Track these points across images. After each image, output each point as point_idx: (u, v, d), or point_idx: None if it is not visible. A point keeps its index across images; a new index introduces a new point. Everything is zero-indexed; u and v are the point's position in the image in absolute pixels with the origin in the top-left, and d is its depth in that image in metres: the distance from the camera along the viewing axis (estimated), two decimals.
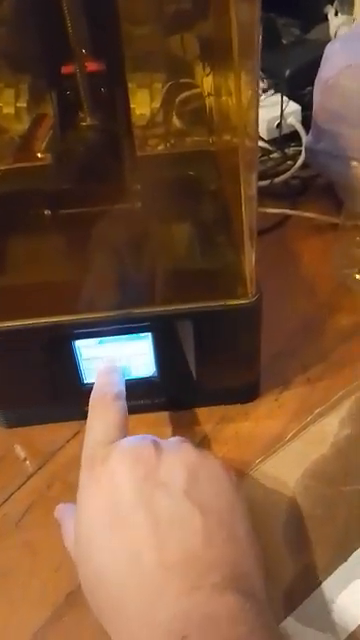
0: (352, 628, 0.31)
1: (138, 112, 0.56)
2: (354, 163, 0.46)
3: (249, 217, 0.33)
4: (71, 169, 0.37)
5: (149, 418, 0.41)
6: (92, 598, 0.27)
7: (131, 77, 0.51)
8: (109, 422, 0.32)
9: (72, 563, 0.30)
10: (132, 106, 0.51)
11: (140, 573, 0.26)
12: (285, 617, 0.31)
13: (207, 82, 0.52)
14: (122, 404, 0.33)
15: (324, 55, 0.51)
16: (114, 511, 0.28)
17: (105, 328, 0.35)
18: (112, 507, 0.28)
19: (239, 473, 0.37)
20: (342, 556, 0.33)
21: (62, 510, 0.33)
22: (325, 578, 0.32)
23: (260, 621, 0.24)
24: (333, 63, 0.49)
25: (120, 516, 0.28)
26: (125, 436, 0.32)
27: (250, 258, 0.34)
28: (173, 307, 0.35)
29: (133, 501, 0.28)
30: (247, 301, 0.35)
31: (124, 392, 0.34)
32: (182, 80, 0.56)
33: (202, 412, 0.41)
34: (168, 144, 0.55)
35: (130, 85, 0.49)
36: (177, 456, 0.30)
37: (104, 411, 0.33)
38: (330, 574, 0.33)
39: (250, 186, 0.32)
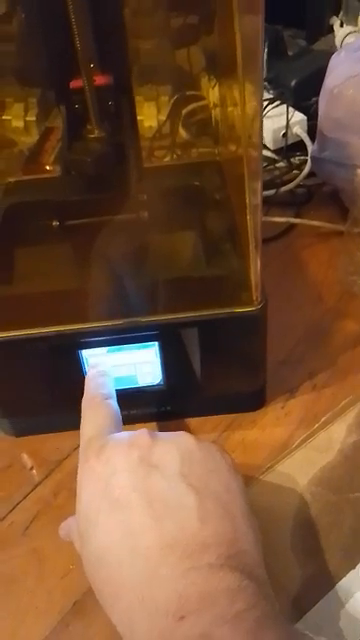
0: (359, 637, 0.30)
1: (146, 124, 0.57)
2: (359, 171, 0.46)
3: (254, 225, 0.33)
4: (79, 181, 0.38)
5: (155, 426, 0.41)
6: (94, 581, 0.28)
7: (139, 90, 0.52)
8: (100, 420, 0.33)
9: (78, 571, 0.30)
10: (140, 118, 0.52)
11: (136, 553, 0.26)
12: (293, 624, 0.31)
13: (213, 94, 0.53)
14: (113, 403, 0.34)
15: (329, 65, 0.52)
16: (110, 493, 0.28)
17: (111, 337, 0.36)
18: (108, 490, 0.28)
19: (246, 480, 0.37)
20: (350, 563, 0.33)
21: (66, 522, 0.34)
22: (333, 585, 0.32)
23: (258, 597, 0.25)
24: (338, 73, 0.50)
25: (115, 498, 0.28)
26: (119, 432, 0.32)
27: (255, 266, 0.34)
28: (179, 315, 0.36)
29: (128, 483, 0.28)
30: (253, 308, 0.35)
31: (114, 394, 0.35)
32: (189, 92, 0.57)
33: (209, 420, 0.41)
34: (175, 155, 0.56)
35: (138, 98, 0.50)
36: (172, 440, 0.31)
37: (95, 411, 0.34)
38: (338, 581, 0.32)
39: (255, 195, 0.32)
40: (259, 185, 0.32)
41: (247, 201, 0.32)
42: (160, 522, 0.27)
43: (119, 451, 0.30)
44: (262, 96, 0.30)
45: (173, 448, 0.30)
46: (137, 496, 0.28)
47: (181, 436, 0.31)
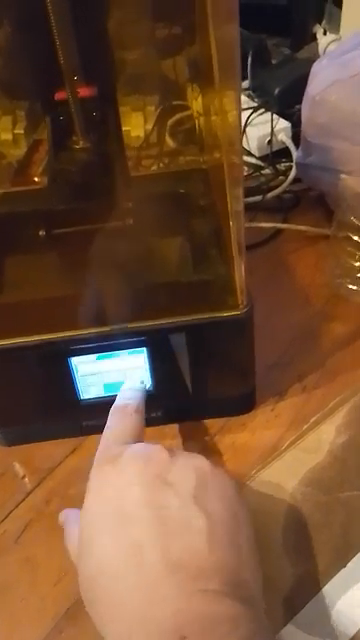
0: (352, 634, 0.31)
1: (133, 134, 0.58)
2: (343, 175, 0.47)
3: (237, 231, 0.34)
4: (65, 190, 0.38)
5: (147, 432, 0.41)
6: (89, 594, 0.27)
7: (125, 101, 0.53)
8: (126, 427, 0.33)
9: (71, 578, 0.30)
10: (127, 128, 0.53)
11: (141, 568, 0.26)
12: (285, 624, 0.31)
13: (197, 103, 0.53)
14: (139, 417, 0.34)
15: (311, 72, 0.53)
16: (121, 505, 0.28)
17: (100, 344, 0.36)
18: (119, 501, 0.28)
19: (237, 483, 0.38)
20: (341, 561, 0.33)
21: (67, 513, 0.34)
22: (324, 584, 0.33)
23: (259, 627, 0.25)
24: (320, 79, 0.51)
25: (127, 511, 0.28)
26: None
27: (240, 270, 0.35)
28: (167, 321, 0.36)
29: (141, 497, 0.28)
30: (239, 312, 0.36)
31: (142, 409, 0.35)
32: (175, 102, 0.58)
33: (200, 424, 0.42)
34: (162, 164, 0.57)
35: (125, 108, 0.51)
36: (189, 461, 0.31)
37: (123, 417, 0.34)
38: (329, 580, 0.33)
39: (237, 201, 0.33)
40: (240, 192, 0.32)
41: (229, 207, 0.32)
42: (169, 540, 0.27)
43: (135, 463, 0.30)
44: (240, 104, 0.30)
45: (189, 469, 0.30)
46: (148, 511, 0.28)
47: (198, 458, 0.31)
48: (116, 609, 0.26)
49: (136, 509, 0.28)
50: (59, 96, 0.39)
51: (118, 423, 0.34)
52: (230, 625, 0.24)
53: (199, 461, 0.31)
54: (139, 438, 0.33)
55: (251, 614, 0.25)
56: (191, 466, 0.30)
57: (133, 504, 0.28)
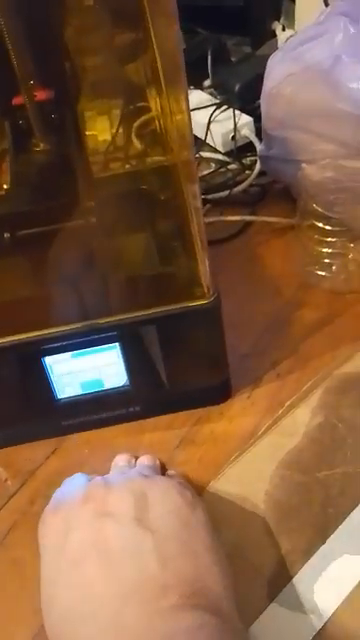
0: (333, 609, 0.31)
1: (100, 138, 0.58)
2: (303, 165, 0.48)
3: (197, 225, 0.35)
4: (27, 193, 0.39)
5: (127, 427, 0.42)
6: None
7: (90, 105, 0.54)
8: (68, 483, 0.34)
9: None
10: (93, 133, 0.54)
11: (100, 607, 0.26)
12: (269, 603, 0.32)
13: (158, 105, 0.54)
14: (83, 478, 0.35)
15: (267, 66, 0.54)
16: (68, 552, 0.29)
17: (72, 341, 0.37)
18: (66, 549, 0.29)
19: (216, 471, 0.38)
20: (321, 539, 0.34)
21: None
22: (305, 562, 0.33)
23: (221, 633, 0.25)
24: (275, 73, 0.52)
25: (73, 555, 0.28)
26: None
27: (204, 262, 0.36)
28: (137, 314, 0.37)
29: (84, 538, 0.29)
30: (205, 301, 0.36)
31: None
32: (140, 104, 0.59)
33: (179, 416, 0.42)
34: (129, 165, 0.57)
35: (90, 113, 0.52)
36: (123, 485, 0.31)
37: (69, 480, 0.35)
38: (310, 558, 0.33)
39: (194, 197, 0.34)
40: (197, 188, 0.33)
41: (187, 203, 0.33)
42: (119, 571, 0.27)
43: (74, 507, 0.31)
44: (189, 104, 0.31)
45: (126, 494, 0.30)
46: (94, 550, 0.28)
47: (134, 480, 0.32)
48: None
49: (82, 552, 0.28)
50: (16, 101, 0.40)
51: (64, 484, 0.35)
52: (187, 636, 0.24)
53: (135, 481, 0.31)
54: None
55: (213, 621, 0.25)
56: (127, 490, 0.31)
57: (78, 548, 0.29)
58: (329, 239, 0.50)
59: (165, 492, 0.31)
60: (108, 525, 0.29)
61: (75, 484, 0.33)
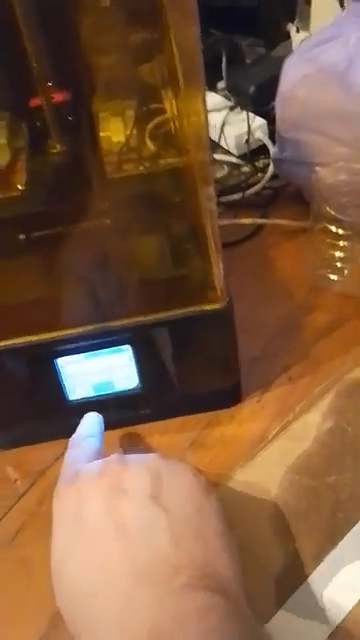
0: (343, 615, 0.31)
1: (114, 139, 0.58)
2: (316, 168, 0.48)
3: (212, 228, 0.35)
4: (42, 194, 0.39)
5: (137, 429, 0.42)
6: (68, 616, 0.28)
7: (104, 106, 0.54)
8: (80, 451, 0.34)
9: None
10: (107, 134, 0.54)
11: (110, 582, 0.26)
12: (277, 608, 0.32)
13: (173, 106, 0.54)
14: (94, 440, 0.36)
15: (283, 68, 0.54)
16: (82, 523, 0.29)
17: (84, 343, 0.37)
18: (80, 520, 0.29)
19: (226, 475, 0.38)
20: (331, 544, 0.34)
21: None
22: (315, 567, 0.33)
23: (230, 614, 0.25)
24: (290, 75, 0.52)
25: (88, 527, 0.29)
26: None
27: (218, 265, 0.36)
28: (150, 317, 0.37)
29: (99, 512, 0.29)
30: (219, 305, 0.36)
31: (97, 433, 0.37)
32: (154, 106, 0.59)
33: (189, 419, 0.42)
34: (142, 167, 0.57)
35: (104, 114, 0.52)
36: (141, 464, 0.31)
37: (78, 443, 0.35)
38: (320, 562, 0.33)
39: (209, 199, 0.34)
40: (212, 190, 0.33)
41: (202, 206, 0.33)
42: (132, 548, 0.27)
43: (90, 480, 0.31)
44: (206, 105, 0.31)
45: (143, 471, 0.30)
46: (108, 524, 0.28)
47: (151, 458, 0.32)
48: (94, 625, 0.26)
49: (97, 524, 0.28)
50: (34, 102, 0.40)
51: (73, 449, 0.35)
52: (198, 616, 0.24)
53: (152, 460, 0.31)
54: (96, 457, 0.34)
55: (222, 603, 0.25)
56: (144, 467, 0.31)
57: (93, 520, 0.29)
58: (341, 243, 0.49)
59: (181, 474, 0.31)
60: (123, 501, 0.29)
61: (92, 462, 0.33)
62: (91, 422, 0.38)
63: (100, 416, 0.38)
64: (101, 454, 0.34)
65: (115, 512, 0.29)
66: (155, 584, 0.26)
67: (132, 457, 0.32)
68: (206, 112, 0.31)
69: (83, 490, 0.30)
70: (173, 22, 0.28)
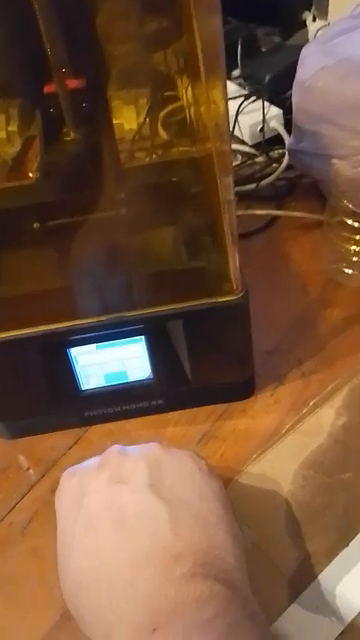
0: (356, 612, 0.31)
1: (126, 127, 0.58)
2: (334, 160, 0.47)
3: (229, 219, 0.34)
4: (57, 182, 0.39)
5: (149, 420, 0.42)
6: (74, 607, 0.28)
7: (117, 94, 0.53)
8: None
9: None
10: (120, 122, 0.53)
11: (111, 572, 0.27)
12: (289, 604, 0.31)
13: (188, 94, 0.53)
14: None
15: (300, 58, 0.53)
16: (83, 516, 0.29)
17: (98, 333, 0.36)
18: (81, 513, 0.29)
19: (237, 469, 0.38)
20: (344, 542, 0.34)
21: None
22: (328, 564, 0.33)
23: (230, 603, 0.25)
24: (309, 65, 0.51)
25: (88, 519, 0.29)
26: None
27: (234, 257, 0.35)
28: (164, 308, 0.36)
29: (99, 503, 0.29)
30: (234, 297, 0.36)
31: None
32: (167, 93, 0.58)
33: (201, 411, 0.42)
34: (155, 155, 0.57)
35: (117, 102, 0.51)
36: (140, 454, 0.31)
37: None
38: (332, 560, 0.33)
39: (228, 190, 0.33)
40: (231, 181, 0.32)
41: (220, 196, 0.32)
42: (133, 538, 0.27)
43: (89, 472, 0.31)
44: (227, 94, 0.30)
45: (141, 461, 0.30)
46: (109, 515, 0.28)
47: (150, 448, 0.32)
48: (97, 613, 0.26)
49: (97, 516, 0.29)
50: (48, 89, 0.39)
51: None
52: (197, 606, 0.24)
53: (151, 450, 0.31)
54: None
55: (223, 592, 0.25)
56: (142, 457, 0.31)
57: (94, 512, 0.29)
58: (358, 237, 0.49)
59: (179, 460, 0.31)
60: (123, 492, 0.29)
61: (92, 459, 0.33)
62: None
63: None
64: None
65: (115, 502, 0.29)
66: (157, 573, 0.26)
67: (131, 448, 0.32)
68: (226, 101, 0.31)
69: (83, 482, 0.31)
70: (196, 10, 0.28)
